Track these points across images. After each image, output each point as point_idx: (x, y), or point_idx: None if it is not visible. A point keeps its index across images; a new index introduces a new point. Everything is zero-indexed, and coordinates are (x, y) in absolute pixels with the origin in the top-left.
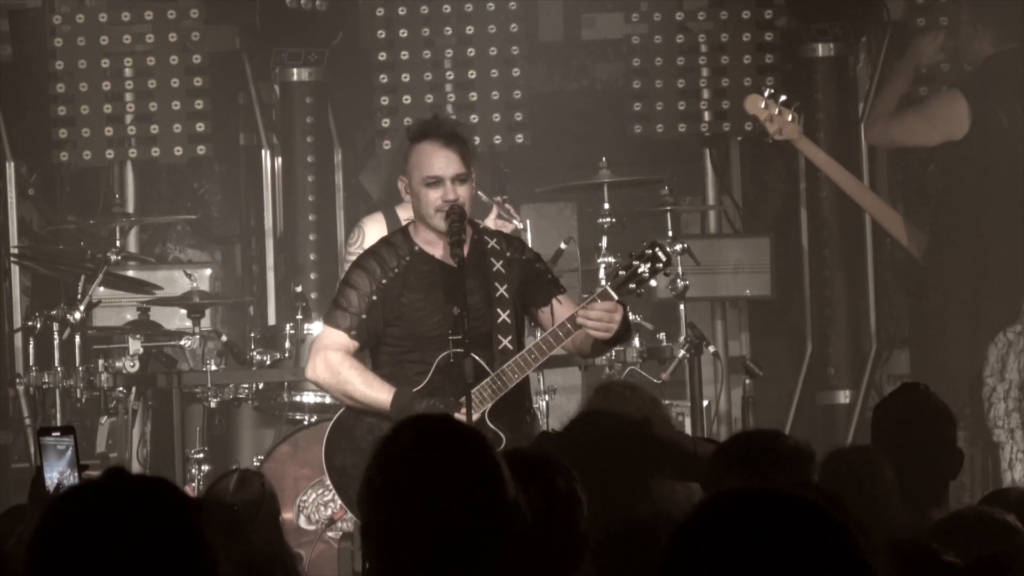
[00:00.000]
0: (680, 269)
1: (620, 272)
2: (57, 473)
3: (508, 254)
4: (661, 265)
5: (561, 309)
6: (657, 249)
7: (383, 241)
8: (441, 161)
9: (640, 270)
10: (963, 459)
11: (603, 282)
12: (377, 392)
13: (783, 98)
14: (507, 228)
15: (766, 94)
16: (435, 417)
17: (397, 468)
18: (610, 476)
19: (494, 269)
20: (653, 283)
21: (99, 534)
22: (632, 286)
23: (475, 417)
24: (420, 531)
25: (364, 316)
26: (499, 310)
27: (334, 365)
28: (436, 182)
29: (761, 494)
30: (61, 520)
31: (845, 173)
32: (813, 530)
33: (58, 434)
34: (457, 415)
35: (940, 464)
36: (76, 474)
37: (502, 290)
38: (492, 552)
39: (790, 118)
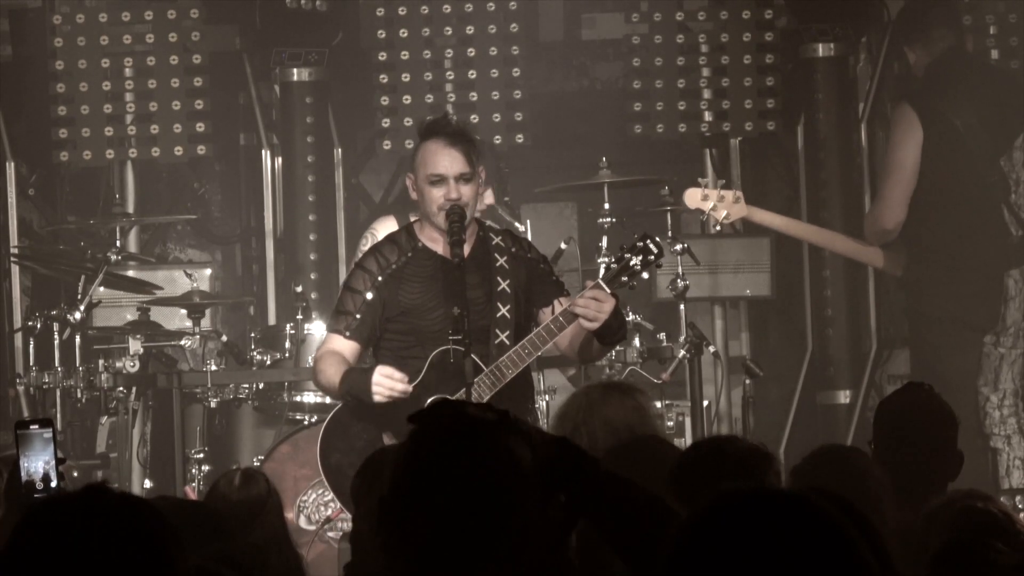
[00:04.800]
0: (680, 269)
1: (612, 265)
2: (43, 463)
3: (513, 250)
4: (653, 257)
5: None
6: (648, 241)
7: (387, 239)
8: (445, 160)
9: (632, 263)
10: (963, 460)
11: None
12: (333, 376)
13: (721, 182)
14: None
15: (702, 185)
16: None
17: (438, 457)
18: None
19: (497, 264)
20: (645, 275)
21: (74, 549)
22: (624, 279)
23: None
24: (445, 524)
25: (359, 315)
26: (499, 304)
27: (318, 363)
28: (439, 180)
29: (763, 494)
30: (36, 532)
31: (808, 228)
32: (814, 530)
33: (36, 426)
34: None
35: (940, 464)
36: (55, 464)
37: (504, 284)
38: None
39: (734, 198)
